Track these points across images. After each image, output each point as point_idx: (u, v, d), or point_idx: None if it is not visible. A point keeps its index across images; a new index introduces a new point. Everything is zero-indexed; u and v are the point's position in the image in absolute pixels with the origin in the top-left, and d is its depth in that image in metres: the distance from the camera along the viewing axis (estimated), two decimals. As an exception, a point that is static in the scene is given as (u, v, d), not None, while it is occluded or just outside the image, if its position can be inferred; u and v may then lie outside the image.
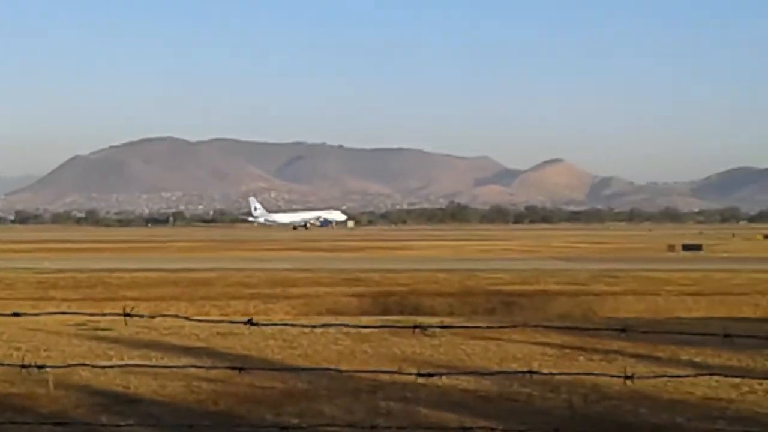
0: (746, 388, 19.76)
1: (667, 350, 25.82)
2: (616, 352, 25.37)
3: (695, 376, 19.14)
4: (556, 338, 27.92)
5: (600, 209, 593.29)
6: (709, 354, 25.17)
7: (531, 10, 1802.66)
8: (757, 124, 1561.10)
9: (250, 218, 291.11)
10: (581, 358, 24.94)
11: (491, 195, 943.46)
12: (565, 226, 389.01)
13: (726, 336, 7.96)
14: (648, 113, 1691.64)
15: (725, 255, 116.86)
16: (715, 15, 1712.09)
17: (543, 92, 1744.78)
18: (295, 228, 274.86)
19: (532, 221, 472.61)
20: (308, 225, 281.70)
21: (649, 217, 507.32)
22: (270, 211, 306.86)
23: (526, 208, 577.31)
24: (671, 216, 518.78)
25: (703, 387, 19.67)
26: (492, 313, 49.50)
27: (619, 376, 7.93)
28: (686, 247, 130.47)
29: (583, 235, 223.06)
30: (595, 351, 25.76)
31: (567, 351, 26.07)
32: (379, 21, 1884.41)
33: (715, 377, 19.75)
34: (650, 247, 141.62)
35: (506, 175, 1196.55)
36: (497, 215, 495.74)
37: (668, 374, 19.94)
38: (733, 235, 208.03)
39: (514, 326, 25.88)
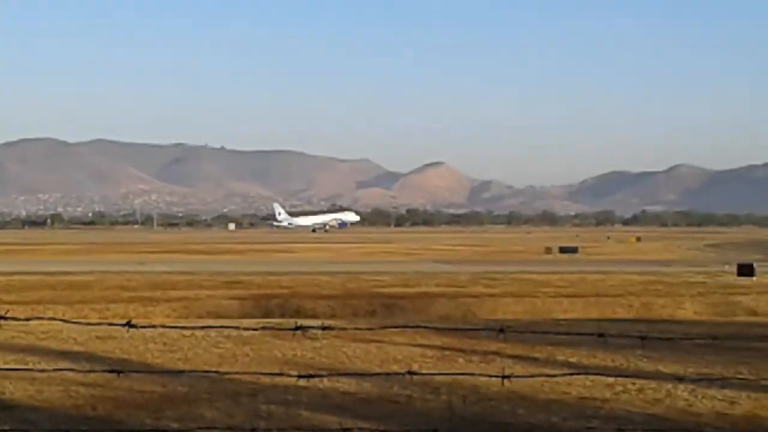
0: (620, 388, 20.27)
1: (544, 351, 26.31)
2: (494, 353, 25.73)
3: (570, 375, 19.53)
4: (436, 340, 28.20)
5: (480, 212, 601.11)
6: (584, 354, 25.73)
7: (409, 10, 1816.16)
8: (631, 130, 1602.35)
9: (275, 222, 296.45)
10: (461, 359, 25.23)
11: (373, 198, 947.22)
12: (445, 229, 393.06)
13: (600, 336, 8.18)
14: (526, 118, 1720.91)
15: (600, 257, 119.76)
16: (592, 18, 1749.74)
17: (424, 95, 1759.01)
18: (314, 230, 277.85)
19: (413, 224, 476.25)
20: (327, 227, 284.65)
21: (528, 220, 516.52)
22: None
23: (408, 210, 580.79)
24: (549, 219, 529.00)
25: (578, 387, 20.11)
26: (373, 315, 49.80)
27: (496, 377, 8.07)
28: (563, 250, 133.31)
29: (463, 237, 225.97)
30: (474, 352, 26.08)
31: (447, 352, 26.35)
32: (257, 21, 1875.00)
33: (590, 377, 20.19)
34: (528, 250, 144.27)
35: (388, 178, 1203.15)
36: (378, 218, 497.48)
37: (544, 374, 20.31)
38: (608, 238, 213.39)
39: (395, 327, 26.00)
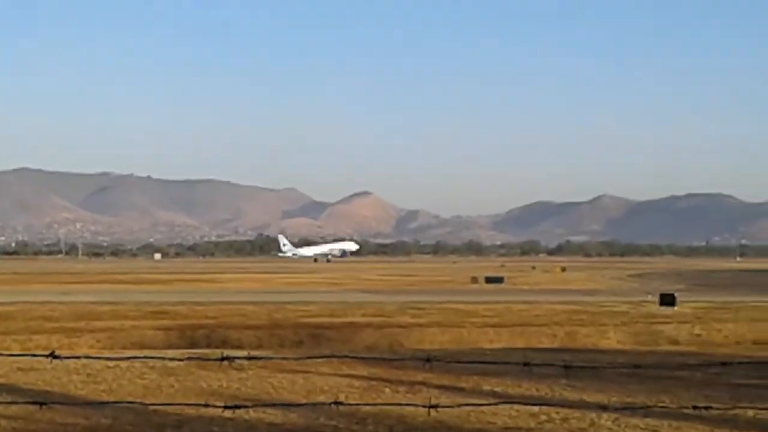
0: (544, 417, 20.46)
1: (470, 381, 26.45)
2: (421, 383, 25.80)
3: (496, 404, 19.68)
4: (362, 370, 28.21)
5: (406, 242, 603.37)
6: (509, 384, 25.93)
7: (332, 42, 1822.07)
8: (555, 161, 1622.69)
9: (280, 253, 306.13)
10: (387, 389, 25.26)
11: (299, 227, 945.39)
12: (372, 259, 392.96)
13: (525, 365, 8.31)
14: (453, 149, 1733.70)
15: (526, 287, 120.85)
16: (515, 47, 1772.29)
17: (350, 125, 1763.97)
18: (315, 260, 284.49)
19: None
20: (329, 257, 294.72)
21: (454, 250, 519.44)
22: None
23: (334, 240, 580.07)
24: (475, 249, 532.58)
25: (503, 416, 20.26)
26: (300, 346, 49.62)
27: (423, 406, 8.14)
28: (489, 280, 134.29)
29: (389, 267, 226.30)
30: (401, 383, 26.13)
31: (373, 383, 26.36)
32: (181, 51, 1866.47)
33: (516, 406, 20.38)
34: (455, 280, 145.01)
35: (314, 208, 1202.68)
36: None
37: (470, 403, 20.43)
38: (533, 268, 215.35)
39: (321, 357, 25.99)
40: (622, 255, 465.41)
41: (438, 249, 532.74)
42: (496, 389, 25.34)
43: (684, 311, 72.50)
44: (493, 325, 58.57)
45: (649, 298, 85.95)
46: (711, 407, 9.28)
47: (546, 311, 70.79)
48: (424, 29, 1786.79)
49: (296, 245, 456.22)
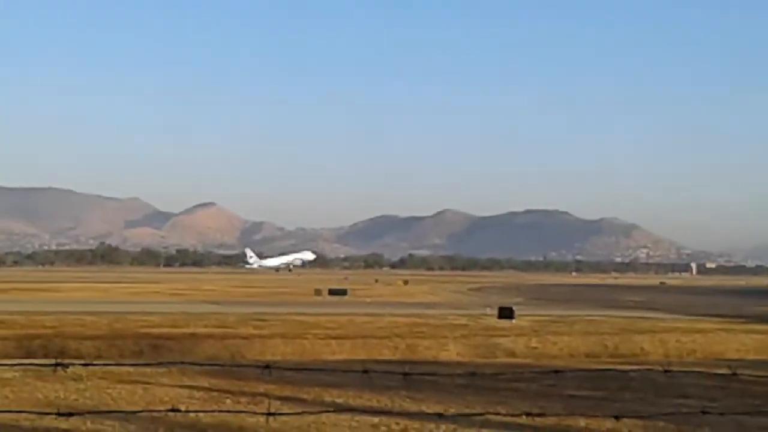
0: (384, 428, 20.75)
1: (312, 392, 26.57)
2: (262, 394, 25.78)
3: (333, 412, 19.87)
4: (203, 381, 28.02)
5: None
6: (351, 395, 26.16)
7: (169, 58, 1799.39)
8: (400, 176, 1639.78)
9: (247, 265, 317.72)
10: (228, 400, 25.15)
11: (142, 237, 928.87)
12: (215, 270, 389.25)
13: (364, 372, 8.52)
14: (298, 161, 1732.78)
15: (368, 300, 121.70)
16: (344, 65, 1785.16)
17: (195, 135, 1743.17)
18: (277, 270, 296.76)
19: (182, 264, 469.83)
20: (291, 267, 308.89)
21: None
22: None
23: (178, 251, 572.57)
24: (319, 261, 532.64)
25: (344, 427, 20.45)
26: (140, 356, 48.85)
27: (260, 414, 8.24)
28: (332, 292, 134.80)
29: (233, 278, 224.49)
30: (243, 393, 26.06)
31: (214, 394, 26.20)
32: (24, 54, 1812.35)
33: (356, 417, 20.61)
34: (298, 291, 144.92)
35: (158, 218, 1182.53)
36: (148, 258, 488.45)
37: (308, 411, 20.55)
38: (376, 281, 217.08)
39: (160, 364, 25.71)
40: (464, 269, 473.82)
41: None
42: (338, 400, 25.53)
43: (521, 324, 74.33)
44: (336, 337, 58.81)
45: (488, 311, 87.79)
46: (543, 414, 9.67)
47: (388, 324, 71.48)
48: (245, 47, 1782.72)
49: (138, 255, 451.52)
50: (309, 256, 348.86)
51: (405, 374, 9.12)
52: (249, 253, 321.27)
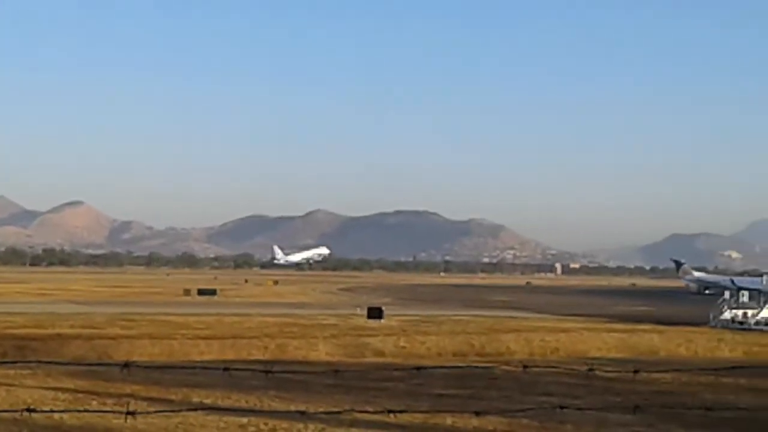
0: (252, 428, 20.88)
1: (179, 393, 26.50)
2: (129, 395, 25.58)
3: (194, 410, 19.85)
4: (69, 383, 27.63)
5: (119, 253, 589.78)
6: (219, 396, 26.17)
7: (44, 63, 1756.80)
8: (270, 175, 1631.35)
9: (275, 261, 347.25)
10: (94, 401, 24.88)
11: (7, 236, 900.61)
12: (83, 270, 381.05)
13: (225, 369, 8.60)
14: (168, 160, 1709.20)
15: (238, 300, 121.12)
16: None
17: (62, 132, 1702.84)
18: (298, 265, 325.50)
19: (49, 264, 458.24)
20: (311, 261, 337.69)
21: (168, 262, 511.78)
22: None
23: (44, 250, 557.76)
24: (188, 261, 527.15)
25: (212, 428, 20.49)
26: (4, 357, 47.63)
27: (120, 412, 8.26)
28: (201, 292, 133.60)
29: (101, 278, 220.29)
30: (109, 395, 25.82)
31: (80, 395, 25.89)
32: None
33: (224, 417, 20.64)
34: (167, 291, 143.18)
35: (24, 216, 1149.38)
36: (13, 257, 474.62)
37: (168, 410, 20.45)
38: (246, 281, 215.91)
39: (17, 363, 25.24)
40: (334, 269, 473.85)
41: (151, 260, 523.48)
42: (206, 401, 25.49)
43: (391, 324, 75.08)
44: (205, 338, 58.46)
45: (358, 311, 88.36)
46: (405, 411, 9.89)
47: (258, 324, 71.35)
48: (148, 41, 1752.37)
49: (3, 255, 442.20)
50: (324, 251, 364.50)
51: (266, 372, 9.24)
52: (276, 250, 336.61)
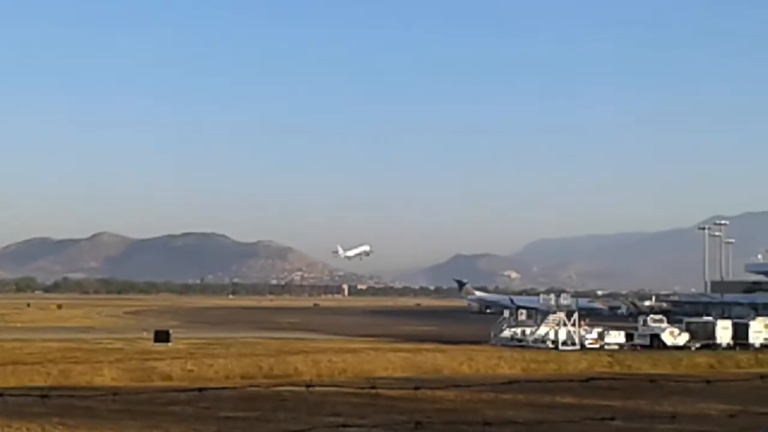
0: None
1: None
2: None
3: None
4: None
5: None
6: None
7: None
8: (52, 196, 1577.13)
9: (340, 255, 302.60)
10: None
11: None
12: None
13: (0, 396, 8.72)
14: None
15: (19, 325, 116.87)
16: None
17: None
18: (350, 258, 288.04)
19: None
20: (362, 256, 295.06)
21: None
22: None
23: None
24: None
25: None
26: None
27: None
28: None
29: None
30: None
31: None
32: None
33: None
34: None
35: None
36: None
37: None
38: (28, 305, 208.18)
39: None
40: (119, 292, 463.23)
41: None
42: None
43: (178, 347, 74.40)
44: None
45: (144, 334, 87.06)
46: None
47: (40, 349, 69.25)
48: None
49: None
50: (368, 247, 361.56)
51: (43, 396, 9.34)
52: (338, 248, 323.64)
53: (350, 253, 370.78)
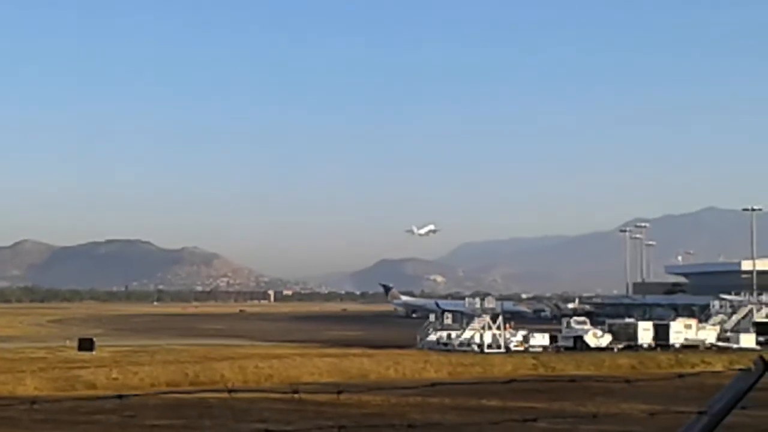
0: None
1: None
2: None
3: None
4: None
5: None
6: None
7: None
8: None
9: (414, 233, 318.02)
10: None
11: None
12: None
13: None
14: None
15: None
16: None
17: None
18: (420, 235, 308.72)
19: None
20: (430, 233, 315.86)
21: None
22: None
23: None
24: None
25: None
26: None
27: None
28: None
29: None
30: None
31: None
32: None
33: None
34: None
35: None
36: None
37: None
38: None
39: None
40: (43, 300, 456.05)
41: None
42: None
43: (102, 356, 73.75)
44: None
45: (68, 343, 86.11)
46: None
47: None
48: None
49: None
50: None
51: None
52: (413, 227, 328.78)
53: (422, 231, 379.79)
